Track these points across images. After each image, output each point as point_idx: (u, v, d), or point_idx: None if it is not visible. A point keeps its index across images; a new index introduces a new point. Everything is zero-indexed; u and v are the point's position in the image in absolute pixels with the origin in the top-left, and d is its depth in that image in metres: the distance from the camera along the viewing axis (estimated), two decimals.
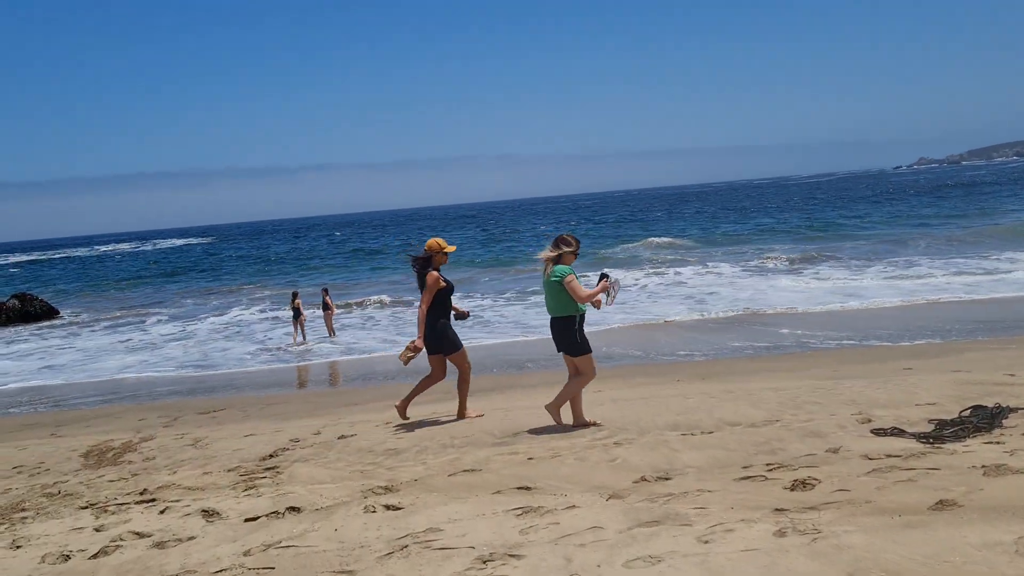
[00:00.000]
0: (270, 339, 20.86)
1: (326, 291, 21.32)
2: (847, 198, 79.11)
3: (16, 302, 31.37)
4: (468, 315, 8.98)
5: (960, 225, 39.72)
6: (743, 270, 27.92)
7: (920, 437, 6.03)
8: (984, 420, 6.23)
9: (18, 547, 5.27)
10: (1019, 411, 6.58)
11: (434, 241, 8.48)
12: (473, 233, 70.27)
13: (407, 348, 8.38)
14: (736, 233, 46.72)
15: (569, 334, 7.37)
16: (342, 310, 24.12)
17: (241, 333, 22.52)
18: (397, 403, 8.79)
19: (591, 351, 7.53)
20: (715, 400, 8.33)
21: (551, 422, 7.79)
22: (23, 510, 6.29)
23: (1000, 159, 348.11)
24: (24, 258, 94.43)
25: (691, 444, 6.47)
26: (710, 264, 30.45)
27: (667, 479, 5.51)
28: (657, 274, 28.11)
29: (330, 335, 20.36)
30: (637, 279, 26.79)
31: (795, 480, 5.09)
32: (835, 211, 59.21)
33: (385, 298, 26.56)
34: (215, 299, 33.34)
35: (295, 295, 21.04)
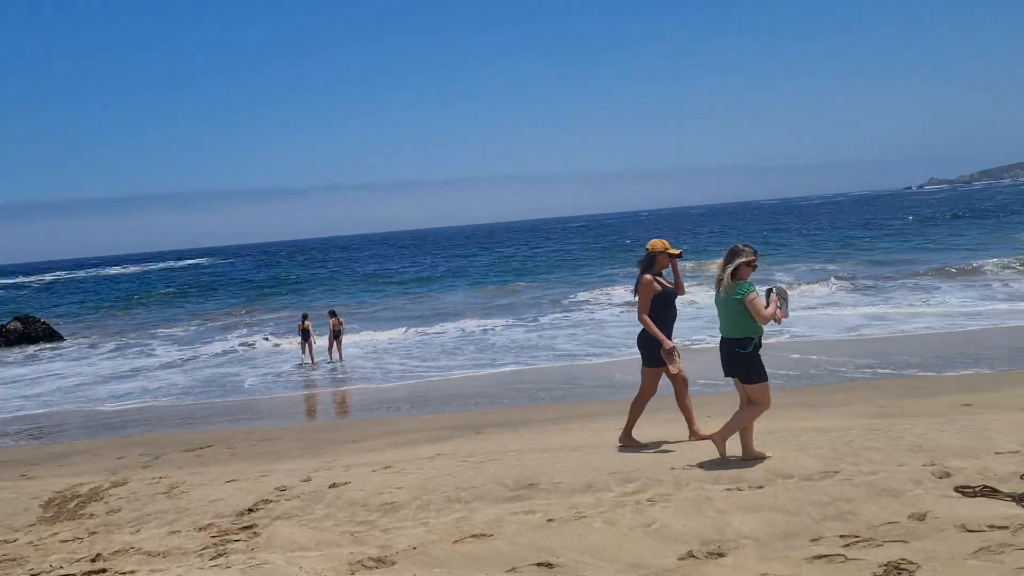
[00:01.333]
0: (274, 364, 19.95)
1: (333, 313, 20.41)
2: (882, 219, 77.86)
3: (18, 324, 30.58)
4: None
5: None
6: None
7: (1021, 500, 5.02)
8: None
9: None
10: None
11: (657, 241, 7.69)
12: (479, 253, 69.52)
13: (667, 357, 7.34)
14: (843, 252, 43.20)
15: (745, 358, 6.59)
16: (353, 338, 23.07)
17: (245, 358, 21.61)
18: (620, 436, 7.82)
19: (767, 379, 6.71)
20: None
21: (569, 467, 6.82)
22: None
23: (1008, 180, 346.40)
24: (25, 279, 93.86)
25: (740, 503, 5.47)
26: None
27: (720, 555, 4.51)
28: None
29: (337, 358, 19.47)
30: None
31: (887, 564, 4.09)
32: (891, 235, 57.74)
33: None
34: (220, 322, 32.46)
35: (304, 316, 20.21)
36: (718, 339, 6.85)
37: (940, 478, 5.70)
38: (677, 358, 7.42)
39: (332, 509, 6.39)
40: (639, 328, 7.57)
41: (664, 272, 7.72)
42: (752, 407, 6.67)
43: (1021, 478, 5.54)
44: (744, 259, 6.53)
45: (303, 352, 19.63)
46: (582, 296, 29.12)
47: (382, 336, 23.27)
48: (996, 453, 6.30)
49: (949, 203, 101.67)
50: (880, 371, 12.83)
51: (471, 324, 23.89)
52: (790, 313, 6.82)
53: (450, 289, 39.32)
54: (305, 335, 19.54)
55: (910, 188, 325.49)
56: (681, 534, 4.95)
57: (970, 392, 10.17)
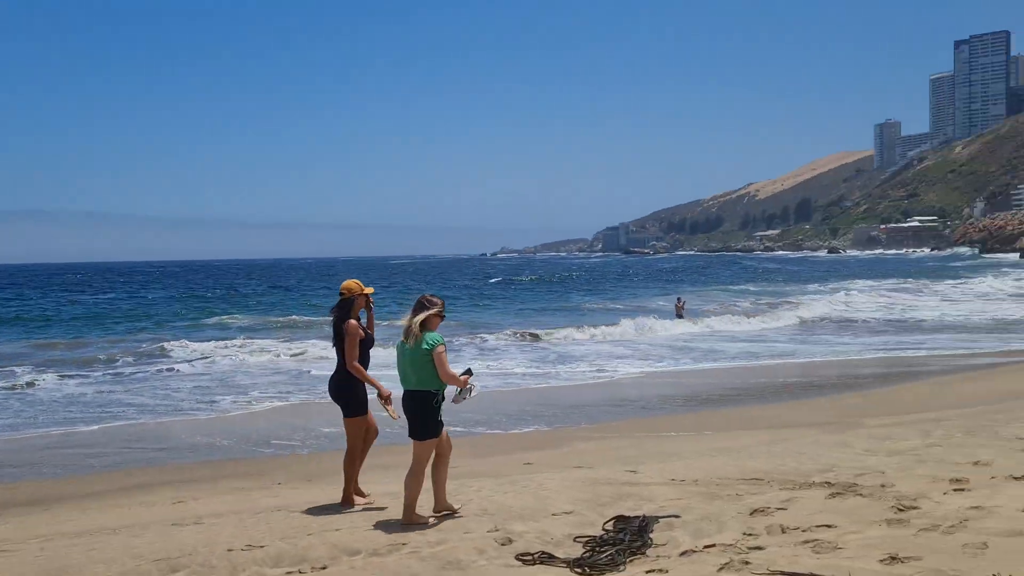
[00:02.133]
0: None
1: None
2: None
3: None
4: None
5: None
6: None
7: (574, 565, 5.16)
8: (635, 537, 5.57)
9: None
10: (660, 521, 6.08)
11: (352, 282, 7.46)
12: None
13: (384, 404, 7.17)
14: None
15: (428, 412, 6.47)
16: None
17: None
18: (342, 501, 7.30)
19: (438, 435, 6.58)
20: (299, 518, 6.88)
21: (106, 555, 5.76)
22: None
23: (564, 252, 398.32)
24: None
25: None
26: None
27: None
28: None
29: None
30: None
31: None
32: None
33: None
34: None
35: None
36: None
37: (503, 544, 5.73)
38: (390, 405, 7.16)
39: None
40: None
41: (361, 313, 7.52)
42: (442, 459, 6.69)
43: (575, 540, 5.77)
44: (435, 311, 6.51)
45: None
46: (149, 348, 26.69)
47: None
48: (552, 514, 6.55)
49: (514, 269, 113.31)
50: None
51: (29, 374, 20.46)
52: (465, 403, 6.72)
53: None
54: None
55: (485, 255, 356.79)
56: None
57: (533, 449, 10.81)
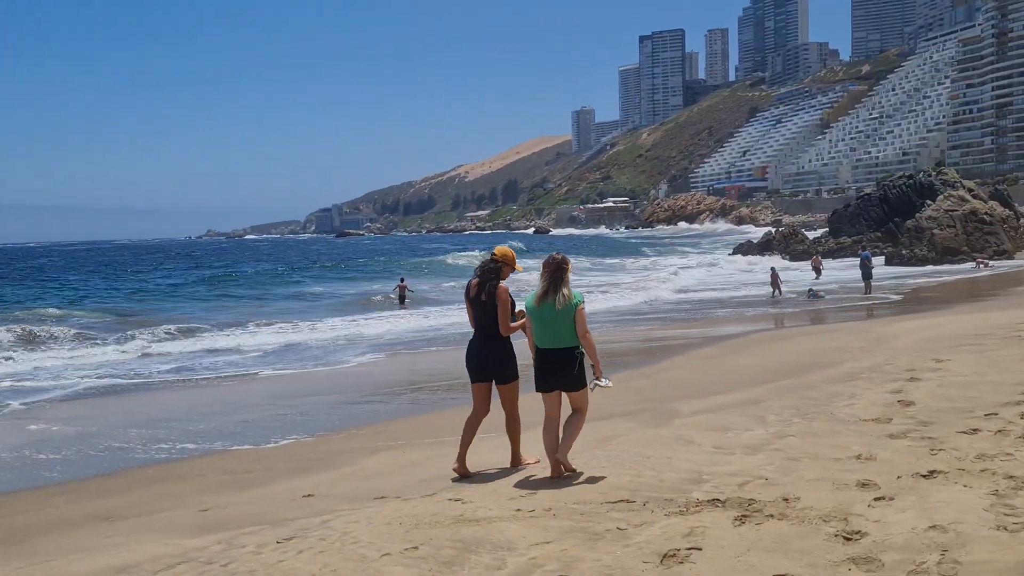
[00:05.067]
0: None
1: None
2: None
3: None
4: None
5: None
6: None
7: None
8: None
9: None
10: None
11: (510, 251, 7.17)
12: None
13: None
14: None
15: (575, 366, 6.60)
16: None
17: None
18: (455, 466, 7.18)
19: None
20: None
21: None
22: None
23: (276, 234, 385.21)
24: None
25: None
26: None
27: None
28: None
29: None
30: None
31: None
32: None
33: None
34: None
35: None
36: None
37: None
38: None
39: None
40: None
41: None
42: (579, 414, 6.74)
43: None
44: (568, 268, 6.70)
45: None
46: None
47: None
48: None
49: (229, 252, 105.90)
50: (167, 447, 10.35)
51: None
52: None
53: None
54: None
55: (190, 237, 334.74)
56: None
57: (302, 473, 8.62)
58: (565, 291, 6.50)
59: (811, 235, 65.01)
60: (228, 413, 12.73)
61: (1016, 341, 12.03)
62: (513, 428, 7.18)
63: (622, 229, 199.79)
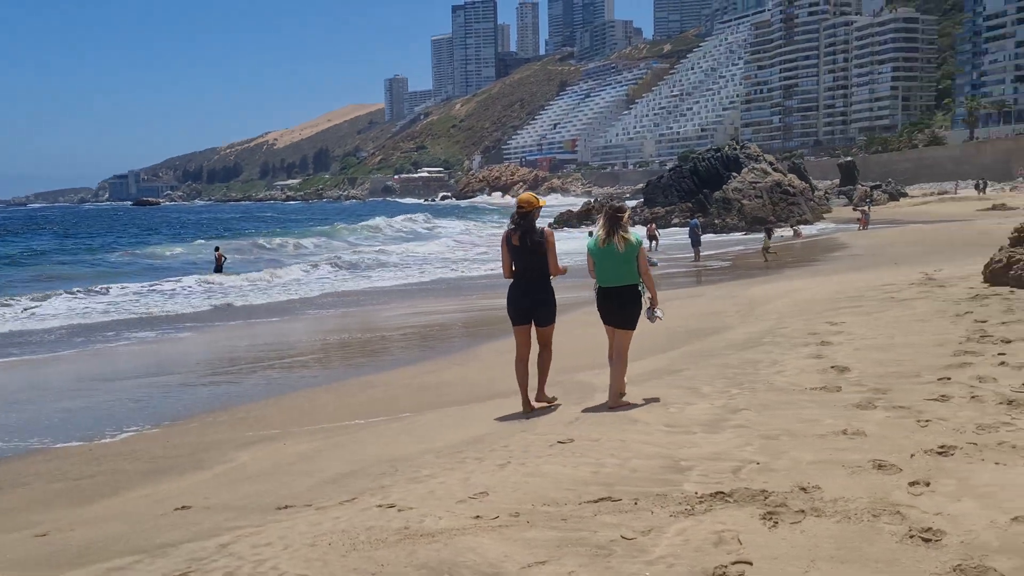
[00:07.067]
0: None
1: None
2: None
3: None
4: None
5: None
6: None
7: None
8: None
9: None
10: None
11: (531, 195, 7.51)
12: None
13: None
14: None
15: (639, 301, 7.14)
16: None
17: None
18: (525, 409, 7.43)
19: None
20: None
21: None
22: None
23: (64, 201, 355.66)
24: None
25: None
26: None
27: None
28: None
29: None
30: None
31: None
32: None
33: None
34: None
35: None
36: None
37: None
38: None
39: None
40: None
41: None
42: (623, 355, 7.19)
43: None
44: (626, 216, 7.16)
45: None
46: None
47: None
48: None
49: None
50: None
51: None
52: None
53: None
54: None
55: None
56: None
57: (161, 474, 7.00)
58: (625, 235, 6.94)
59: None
60: (40, 400, 10.64)
61: (893, 302, 12.09)
62: (546, 363, 7.65)
63: (438, 200, 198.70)
